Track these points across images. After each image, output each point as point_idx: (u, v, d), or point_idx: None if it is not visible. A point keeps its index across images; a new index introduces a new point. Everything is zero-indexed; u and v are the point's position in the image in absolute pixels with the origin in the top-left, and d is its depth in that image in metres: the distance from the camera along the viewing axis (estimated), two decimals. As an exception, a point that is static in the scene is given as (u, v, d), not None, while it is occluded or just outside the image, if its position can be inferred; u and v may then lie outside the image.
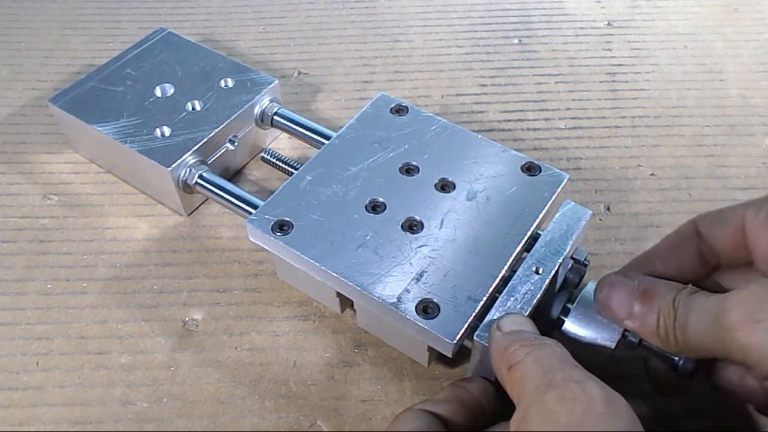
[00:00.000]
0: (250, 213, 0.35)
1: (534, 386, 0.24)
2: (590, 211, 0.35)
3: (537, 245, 0.33)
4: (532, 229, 0.34)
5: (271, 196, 0.35)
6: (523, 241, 0.33)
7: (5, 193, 0.44)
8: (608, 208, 0.43)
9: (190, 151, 0.40)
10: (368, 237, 0.33)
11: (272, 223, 0.34)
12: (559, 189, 0.35)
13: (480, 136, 0.38)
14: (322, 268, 0.32)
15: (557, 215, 0.34)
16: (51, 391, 0.34)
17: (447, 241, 0.33)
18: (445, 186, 0.36)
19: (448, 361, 0.35)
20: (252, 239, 0.35)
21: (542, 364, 0.25)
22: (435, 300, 0.31)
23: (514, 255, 0.32)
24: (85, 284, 0.39)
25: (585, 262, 0.34)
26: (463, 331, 0.30)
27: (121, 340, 0.36)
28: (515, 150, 0.37)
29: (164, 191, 0.41)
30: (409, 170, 0.37)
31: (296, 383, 0.35)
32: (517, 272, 0.32)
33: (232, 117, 0.42)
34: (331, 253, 0.32)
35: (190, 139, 0.40)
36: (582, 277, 0.33)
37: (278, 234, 0.33)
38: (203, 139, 0.40)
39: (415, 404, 0.29)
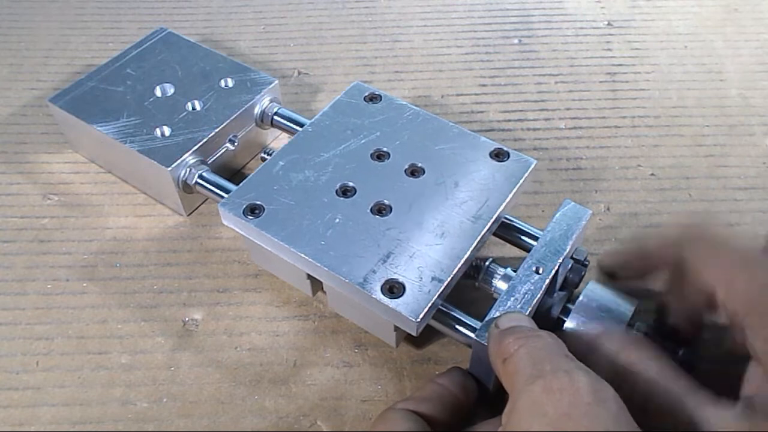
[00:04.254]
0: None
1: (524, 377, 0.25)
2: (590, 211, 0.35)
3: (537, 245, 0.33)
4: (497, 213, 0.34)
5: (244, 181, 0.36)
6: (489, 225, 0.34)
7: (5, 193, 0.44)
8: (608, 208, 0.43)
9: (190, 151, 0.40)
10: (337, 220, 0.34)
11: (244, 206, 0.34)
12: (526, 174, 0.36)
13: (451, 123, 0.39)
14: (292, 250, 0.33)
15: (557, 215, 0.35)
16: (51, 391, 0.34)
17: (414, 224, 0.34)
18: (414, 171, 0.37)
19: (446, 362, 0.35)
20: (225, 223, 0.35)
21: (533, 355, 0.26)
22: (400, 280, 0.31)
23: (479, 238, 0.33)
24: (85, 284, 0.39)
25: (585, 262, 0.34)
26: (426, 309, 0.30)
27: (121, 340, 0.36)
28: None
29: (164, 191, 0.41)
30: (380, 156, 0.37)
31: (296, 383, 0.35)
32: (517, 272, 0.32)
33: (232, 117, 0.42)
34: (300, 236, 0.33)
35: (190, 139, 0.40)
36: (582, 277, 0.33)
37: (250, 217, 0.34)
38: (203, 139, 0.40)
39: (397, 403, 0.29)
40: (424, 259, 0.32)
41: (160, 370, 0.35)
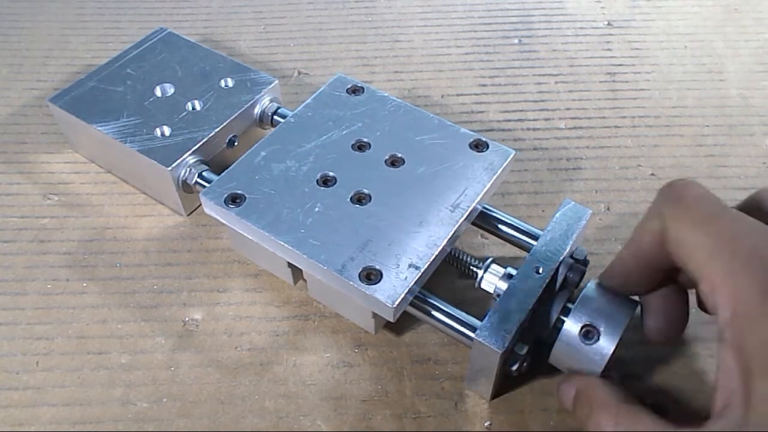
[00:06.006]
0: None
1: None
2: (590, 211, 0.35)
3: (537, 245, 0.33)
4: (475, 202, 0.35)
5: (226, 171, 0.36)
6: (466, 214, 0.34)
7: (5, 193, 0.44)
8: (608, 208, 0.43)
9: (190, 151, 0.40)
10: (317, 209, 0.34)
11: (225, 195, 0.35)
12: (504, 164, 0.37)
13: (432, 115, 0.39)
14: (272, 238, 0.33)
15: (557, 215, 0.35)
16: (51, 391, 0.34)
17: (393, 213, 0.34)
18: (395, 161, 0.37)
19: (446, 362, 0.35)
20: (207, 211, 0.36)
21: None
22: (378, 267, 0.32)
23: (456, 227, 0.34)
24: (85, 284, 0.39)
25: (585, 262, 0.34)
26: (403, 296, 0.31)
27: (121, 340, 0.36)
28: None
29: (164, 191, 0.41)
30: (361, 147, 0.38)
31: (296, 383, 0.35)
32: (517, 272, 0.32)
33: (232, 117, 0.42)
34: (280, 224, 0.34)
35: (190, 139, 0.40)
36: (582, 277, 0.33)
37: (231, 206, 0.35)
38: (203, 138, 0.40)
39: None
40: (402, 246, 0.33)
41: (160, 370, 0.35)
